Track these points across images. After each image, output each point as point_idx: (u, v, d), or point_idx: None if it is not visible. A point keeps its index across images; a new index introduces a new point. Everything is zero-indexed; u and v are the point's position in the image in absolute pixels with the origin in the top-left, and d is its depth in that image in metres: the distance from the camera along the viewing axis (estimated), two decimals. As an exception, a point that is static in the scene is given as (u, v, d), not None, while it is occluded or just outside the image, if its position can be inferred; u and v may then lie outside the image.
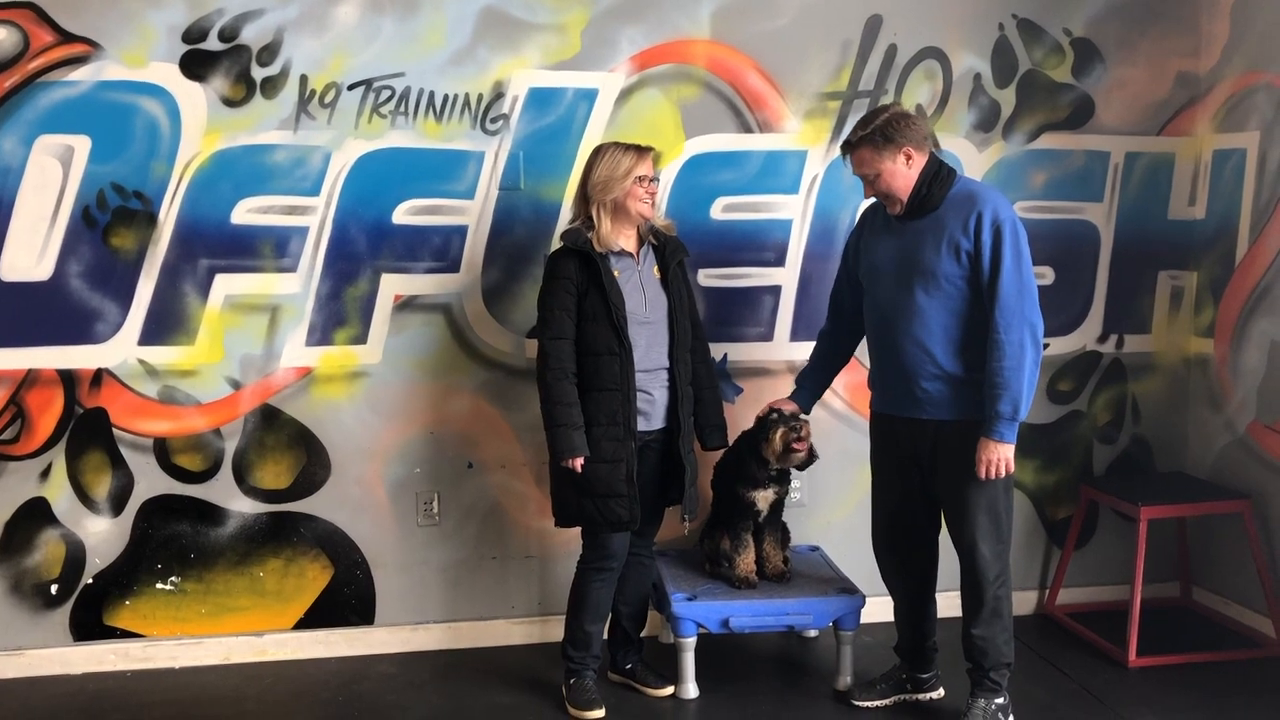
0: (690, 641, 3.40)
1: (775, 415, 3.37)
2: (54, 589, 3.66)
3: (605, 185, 3.16)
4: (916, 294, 3.00)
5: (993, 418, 2.91)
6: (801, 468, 3.47)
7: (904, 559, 3.27)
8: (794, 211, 3.85)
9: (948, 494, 3.09)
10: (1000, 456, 2.93)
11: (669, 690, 3.43)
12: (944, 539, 3.19)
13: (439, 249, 3.70)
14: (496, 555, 3.85)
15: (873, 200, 3.20)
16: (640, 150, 3.19)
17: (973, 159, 3.91)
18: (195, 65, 3.53)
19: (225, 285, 3.61)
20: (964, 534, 3.07)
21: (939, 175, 3.00)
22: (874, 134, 2.97)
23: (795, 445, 3.35)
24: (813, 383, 3.44)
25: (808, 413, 3.41)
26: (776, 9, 3.76)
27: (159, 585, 3.70)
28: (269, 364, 3.67)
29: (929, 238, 2.99)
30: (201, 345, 3.63)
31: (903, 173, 2.98)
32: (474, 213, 3.70)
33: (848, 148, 3.04)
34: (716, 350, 3.71)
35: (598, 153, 3.22)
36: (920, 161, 3.00)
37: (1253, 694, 3.42)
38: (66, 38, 3.47)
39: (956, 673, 3.30)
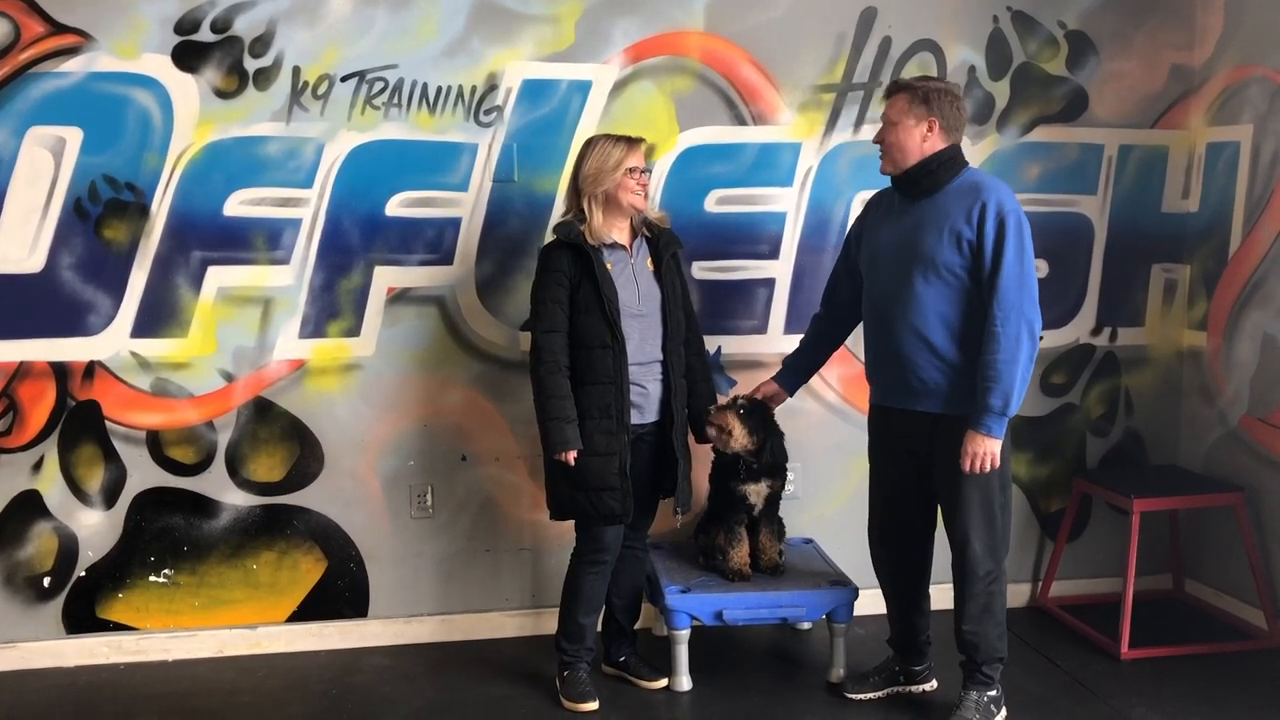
0: (684, 634, 3.41)
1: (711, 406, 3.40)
2: (46, 582, 3.66)
3: (596, 177, 3.16)
4: (915, 282, 2.97)
5: (981, 410, 2.89)
6: (758, 453, 3.41)
7: (899, 553, 3.27)
8: (788, 204, 3.85)
9: (944, 487, 3.08)
10: (986, 450, 2.90)
11: (663, 682, 3.43)
12: (940, 532, 3.19)
13: (432, 241, 3.69)
14: (490, 548, 3.85)
15: (877, 191, 3.21)
16: (630, 142, 3.19)
17: (967, 152, 3.80)
18: (187, 56, 3.51)
19: (218, 277, 3.60)
20: (957, 528, 3.06)
21: (950, 161, 2.99)
22: (918, 89, 2.97)
23: (716, 440, 3.36)
24: (798, 365, 3.44)
25: (792, 393, 3.42)
26: (771, 1, 3.75)
27: (152, 578, 3.70)
28: (262, 356, 3.66)
29: (930, 225, 2.97)
30: (194, 338, 3.62)
31: (916, 139, 2.96)
32: (467, 205, 3.69)
33: (893, 88, 3.03)
34: (710, 343, 3.71)
35: (588, 145, 3.21)
36: (937, 143, 2.97)
37: (1244, 686, 3.43)
38: (58, 29, 3.45)
39: (950, 664, 3.31)
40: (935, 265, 2.95)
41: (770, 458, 3.44)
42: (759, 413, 3.40)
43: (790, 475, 3.73)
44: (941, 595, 3.36)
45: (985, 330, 2.89)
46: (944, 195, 2.98)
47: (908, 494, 3.19)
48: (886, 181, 3.22)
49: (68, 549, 3.65)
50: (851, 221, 3.82)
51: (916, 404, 3.05)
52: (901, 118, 2.98)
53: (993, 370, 2.87)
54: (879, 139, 3.06)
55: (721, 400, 3.48)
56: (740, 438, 3.36)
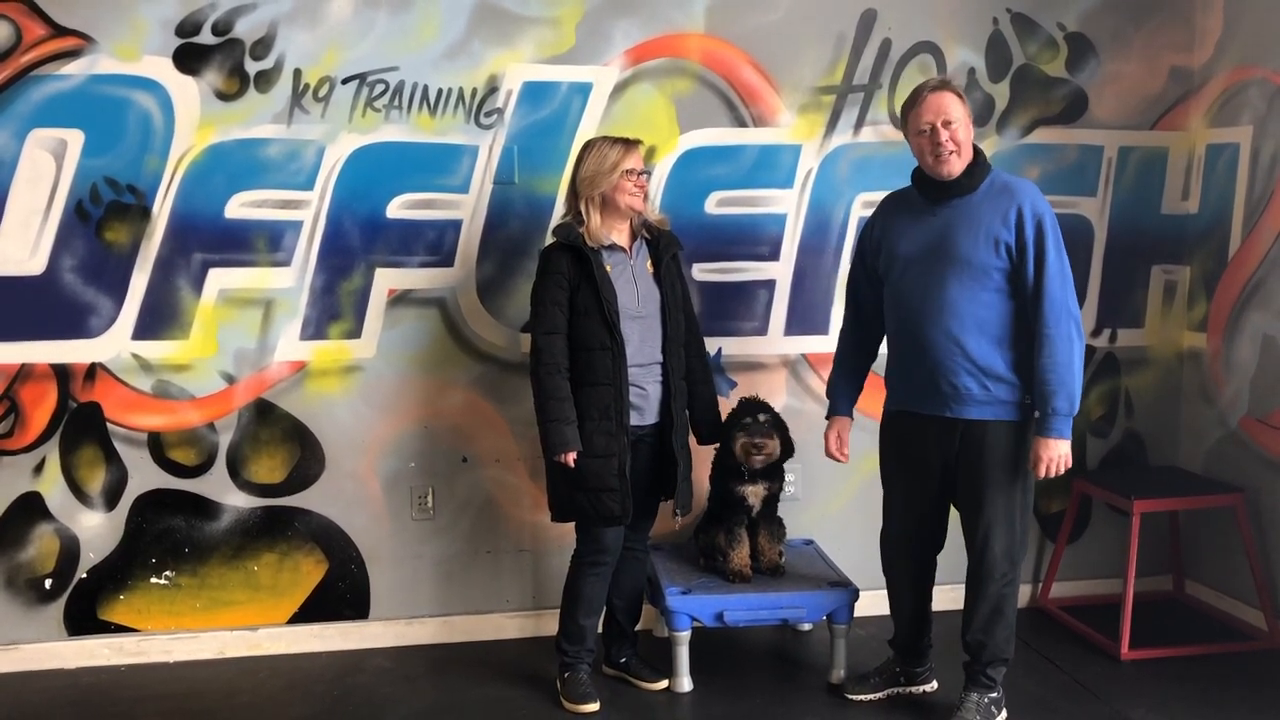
0: (685, 635, 3.41)
1: (747, 420, 3.39)
2: (48, 583, 3.66)
3: (593, 180, 3.16)
4: (948, 283, 2.94)
5: (1049, 415, 2.86)
6: (781, 463, 3.47)
7: (917, 562, 3.24)
8: (788, 206, 3.85)
9: (966, 492, 3.05)
10: (1059, 454, 2.88)
11: (663, 684, 3.44)
12: (952, 532, 3.19)
13: (433, 243, 3.69)
14: (490, 549, 3.86)
15: (885, 196, 3.20)
16: (628, 143, 3.19)
17: (967, 153, 3.90)
18: (189, 59, 3.52)
19: (219, 279, 3.61)
20: (977, 531, 3.03)
21: (984, 163, 2.99)
22: (959, 91, 2.96)
23: (754, 457, 3.40)
24: (848, 387, 3.32)
25: (849, 415, 3.31)
26: (770, 3, 3.76)
27: (153, 580, 3.70)
28: (263, 358, 3.67)
29: (963, 227, 2.94)
30: (195, 339, 3.62)
31: (971, 134, 2.96)
32: (468, 207, 3.69)
33: (942, 85, 2.96)
34: (711, 344, 3.71)
35: (586, 147, 3.22)
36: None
37: (1244, 687, 3.43)
38: (59, 31, 3.46)
39: (950, 665, 3.31)
40: (972, 267, 2.91)
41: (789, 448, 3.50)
42: (773, 416, 3.46)
43: (790, 476, 3.74)
44: (944, 596, 3.37)
45: (1037, 334, 2.87)
46: (975, 196, 2.96)
47: (928, 502, 3.15)
48: (890, 183, 3.22)
49: (69, 551, 3.65)
50: (854, 225, 3.84)
51: (945, 410, 3.00)
52: (962, 117, 2.94)
53: (1053, 374, 2.84)
54: (942, 141, 2.91)
55: (722, 399, 3.48)
56: (776, 449, 3.42)
